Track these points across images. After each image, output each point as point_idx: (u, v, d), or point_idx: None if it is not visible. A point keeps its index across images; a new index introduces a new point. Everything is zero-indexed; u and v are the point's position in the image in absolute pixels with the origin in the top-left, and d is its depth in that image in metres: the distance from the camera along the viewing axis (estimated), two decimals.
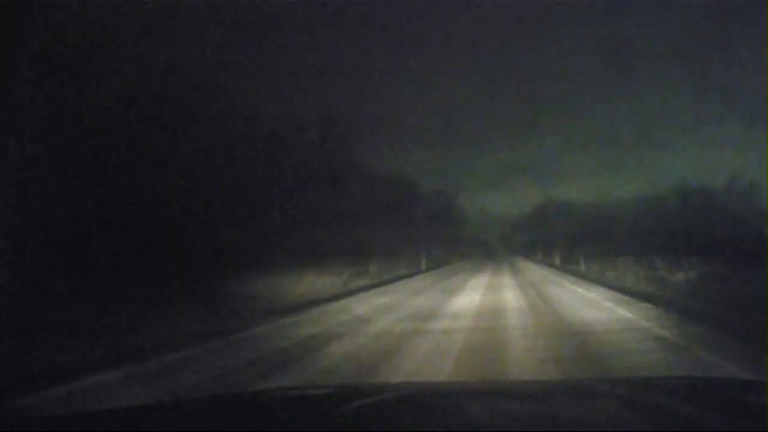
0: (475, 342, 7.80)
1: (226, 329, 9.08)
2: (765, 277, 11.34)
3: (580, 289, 16.54)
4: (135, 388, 5.82)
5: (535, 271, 29.78)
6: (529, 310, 11.62)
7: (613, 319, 9.82)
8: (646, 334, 8.01)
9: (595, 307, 11.87)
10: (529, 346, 7.33)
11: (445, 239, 43.54)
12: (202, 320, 9.56)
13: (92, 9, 10.04)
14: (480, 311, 11.50)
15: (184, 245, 11.90)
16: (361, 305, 13.28)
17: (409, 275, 27.23)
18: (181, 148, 12.32)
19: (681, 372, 5.69)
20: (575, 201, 40.21)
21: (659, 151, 34.20)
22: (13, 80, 8.73)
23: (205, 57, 13.06)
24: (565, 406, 1.97)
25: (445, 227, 42.24)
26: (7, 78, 8.63)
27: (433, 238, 38.95)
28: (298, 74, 18.58)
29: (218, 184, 13.40)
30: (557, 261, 38.22)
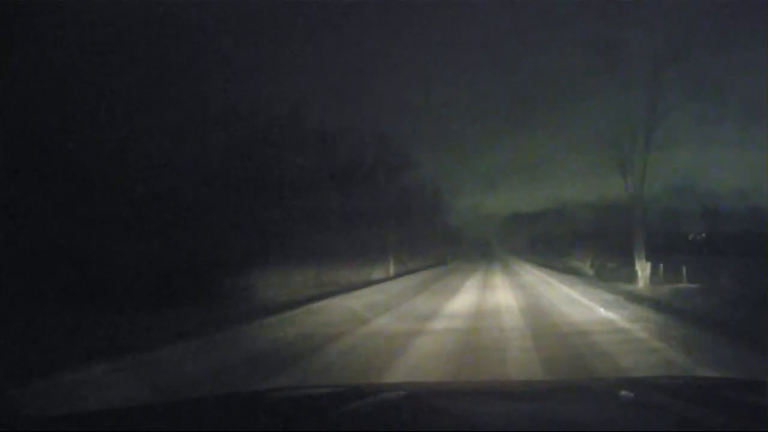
0: None
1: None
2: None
3: None
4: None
5: None
6: None
7: None
8: None
9: None
10: None
11: (428, 238, 36.91)
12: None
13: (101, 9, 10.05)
14: None
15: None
16: None
17: None
18: (188, 147, 12.30)
19: None
20: (575, 201, 38.24)
21: (658, 152, 33.97)
22: (14, 80, 8.72)
23: (206, 54, 13.02)
24: (565, 406, 1.97)
25: (428, 224, 34.43)
26: (7, 78, 8.62)
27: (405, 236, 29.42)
28: (295, 74, 18.55)
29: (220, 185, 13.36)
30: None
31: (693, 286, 15.53)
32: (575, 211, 34.88)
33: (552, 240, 40.70)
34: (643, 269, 18.01)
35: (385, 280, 22.55)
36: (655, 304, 12.01)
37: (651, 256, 18.63)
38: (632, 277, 18.16)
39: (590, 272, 22.27)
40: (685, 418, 1.69)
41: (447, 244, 46.79)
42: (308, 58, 18.89)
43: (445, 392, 2.45)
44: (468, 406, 2.00)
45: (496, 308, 12.19)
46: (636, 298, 13.49)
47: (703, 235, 33.80)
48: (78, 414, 1.93)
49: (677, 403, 1.86)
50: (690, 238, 33.01)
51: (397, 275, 25.70)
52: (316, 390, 2.70)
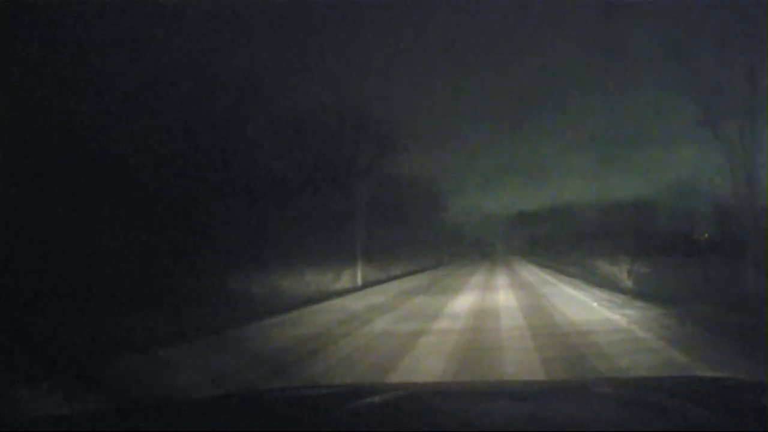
0: None
1: None
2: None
3: None
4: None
5: None
6: None
7: None
8: None
9: None
10: None
11: (424, 238, 32.85)
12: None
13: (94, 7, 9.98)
14: None
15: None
16: None
17: None
18: (185, 146, 12.16)
19: None
20: (574, 201, 37.35)
21: (659, 152, 33.87)
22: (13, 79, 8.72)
23: (207, 52, 12.95)
24: (565, 406, 1.98)
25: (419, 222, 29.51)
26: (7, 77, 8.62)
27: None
28: (295, 73, 18.53)
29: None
30: None
31: None
32: (583, 211, 33.72)
33: (559, 241, 39.53)
34: None
35: (342, 295, 15.51)
36: None
37: (658, 257, 15.37)
38: (708, 294, 10.93)
39: (628, 283, 15.47)
40: (685, 418, 1.69)
41: (446, 245, 46.27)
42: (305, 52, 18.81)
43: (445, 392, 2.45)
44: (468, 406, 2.00)
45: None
46: None
47: (706, 235, 33.66)
48: (78, 414, 1.93)
49: (677, 403, 1.86)
50: (693, 238, 32.82)
51: (365, 285, 19.07)
52: (316, 390, 2.70)
